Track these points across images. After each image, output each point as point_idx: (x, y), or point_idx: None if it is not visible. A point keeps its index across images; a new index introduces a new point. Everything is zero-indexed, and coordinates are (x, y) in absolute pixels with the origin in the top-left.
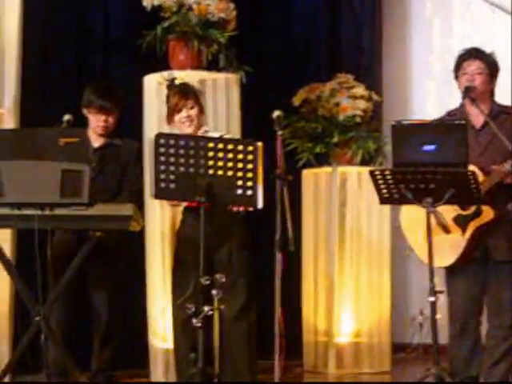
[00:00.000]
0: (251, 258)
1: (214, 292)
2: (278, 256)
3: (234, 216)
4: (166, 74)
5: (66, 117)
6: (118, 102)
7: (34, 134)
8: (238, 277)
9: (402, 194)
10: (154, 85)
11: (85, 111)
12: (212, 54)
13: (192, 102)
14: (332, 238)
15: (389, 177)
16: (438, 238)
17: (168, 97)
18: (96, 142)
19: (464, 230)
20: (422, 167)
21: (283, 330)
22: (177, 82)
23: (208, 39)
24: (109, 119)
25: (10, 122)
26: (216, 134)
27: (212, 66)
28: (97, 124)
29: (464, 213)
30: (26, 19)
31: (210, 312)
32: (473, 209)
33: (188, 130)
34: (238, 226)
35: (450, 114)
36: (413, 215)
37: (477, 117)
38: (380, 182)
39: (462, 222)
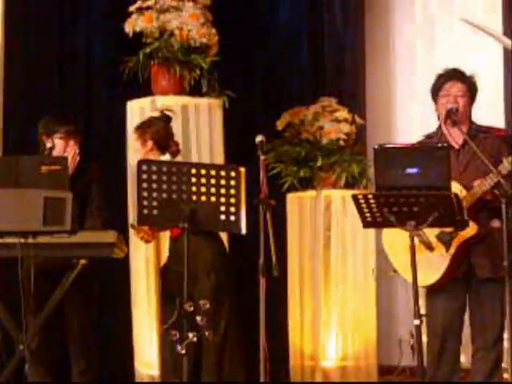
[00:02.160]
0: (222, 281)
1: (198, 318)
2: (262, 281)
3: (202, 241)
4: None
5: (48, 144)
6: (78, 126)
7: (15, 162)
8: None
9: (385, 217)
10: (136, 111)
11: (44, 139)
12: (194, 79)
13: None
14: (317, 261)
15: (372, 201)
16: (421, 256)
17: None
18: None
19: (448, 247)
20: (404, 190)
21: (267, 354)
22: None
23: (190, 64)
24: (71, 144)
25: None
26: None
27: (194, 91)
28: (58, 149)
29: (447, 229)
30: (8, 46)
31: (194, 339)
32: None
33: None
34: (205, 251)
35: (427, 137)
36: (395, 236)
37: (455, 137)
38: (363, 205)
39: (445, 238)
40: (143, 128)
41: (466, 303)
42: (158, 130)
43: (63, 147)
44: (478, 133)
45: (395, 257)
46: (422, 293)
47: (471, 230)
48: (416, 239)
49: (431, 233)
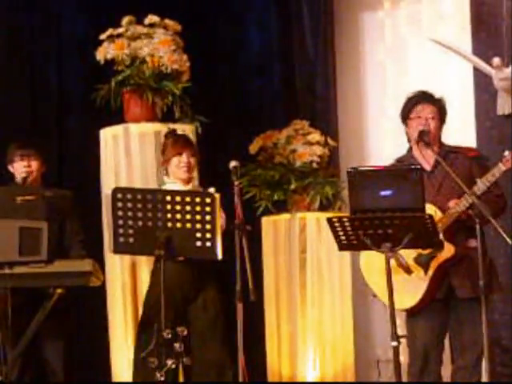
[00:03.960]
0: (225, 306)
1: (176, 345)
2: (239, 306)
3: (209, 266)
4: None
5: (23, 174)
6: (39, 150)
7: None
8: (214, 325)
9: (360, 240)
10: (109, 138)
11: (10, 168)
12: (167, 106)
13: (192, 151)
14: (293, 284)
15: (347, 224)
16: (399, 279)
17: (166, 143)
18: None
19: (426, 270)
20: (379, 213)
21: (246, 377)
22: (179, 132)
23: (162, 91)
24: (31, 164)
25: None
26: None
27: (167, 117)
28: (20, 171)
29: (424, 252)
30: None
31: (173, 366)
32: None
33: (183, 175)
34: (213, 276)
35: (398, 160)
36: (372, 259)
37: (426, 159)
38: (338, 229)
39: (423, 261)
40: (194, 143)
41: (447, 323)
42: None
43: (18, 169)
44: (448, 153)
45: (373, 280)
46: (400, 314)
47: (449, 251)
48: (393, 262)
49: (409, 255)
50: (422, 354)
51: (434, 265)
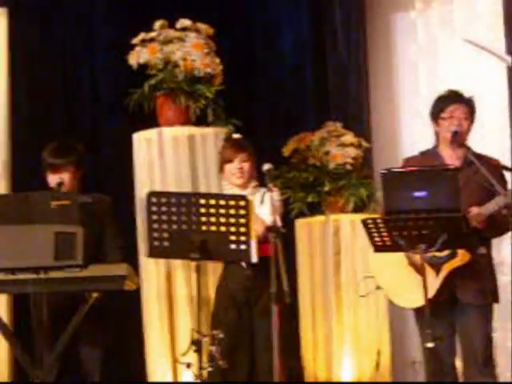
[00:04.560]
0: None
1: (212, 348)
2: (275, 309)
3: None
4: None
5: (54, 179)
6: (73, 159)
7: (25, 198)
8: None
9: (394, 241)
10: (143, 142)
11: (46, 174)
12: (200, 109)
13: (246, 156)
14: (328, 286)
15: (381, 225)
16: (410, 278)
17: (223, 148)
18: None
19: (438, 272)
20: (413, 214)
21: (283, 380)
22: (235, 136)
23: (195, 94)
24: (62, 177)
25: (0, 187)
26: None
27: (200, 120)
28: (53, 184)
29: (438, 254)
30: (14, 83)
31: (210, 369)
32: (447, 251)
33: (237, 181)
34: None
35: (422, 153)
36: (382, 257)
37: (451, 159)
38: (372, 230)
39: (435, 263)
40: (252, 148)
41: (454, 324)
42: None
43: (50, 180)
44: (475, 158)
45: (381, 274)
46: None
47: (464, 257)
48: (406, 260)
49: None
50: (436, 358)
51: (446, 268)
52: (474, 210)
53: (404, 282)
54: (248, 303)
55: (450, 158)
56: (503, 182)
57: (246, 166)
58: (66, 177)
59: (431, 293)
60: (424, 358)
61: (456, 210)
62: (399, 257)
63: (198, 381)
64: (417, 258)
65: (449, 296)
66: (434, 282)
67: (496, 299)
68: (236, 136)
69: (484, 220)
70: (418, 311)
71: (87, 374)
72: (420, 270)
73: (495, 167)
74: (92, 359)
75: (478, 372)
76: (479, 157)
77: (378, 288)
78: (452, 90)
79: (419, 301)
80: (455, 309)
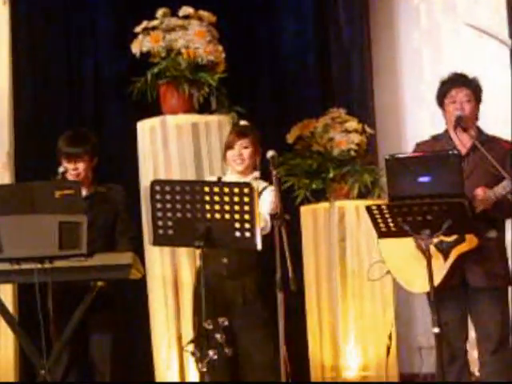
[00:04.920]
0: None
1: (217, 336)
2: (280, 296)
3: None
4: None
5: (61, 169)
6: (88, 148)
7: (29, 188)
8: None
9: (399, 227)
10: (147, 130)
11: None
12: (203, 97)
13: (247, 142)
14: (333, 272)
15: (385, 211)
16: (418, 263)
17: (228, 134)
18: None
19: (446, 257)
20: (418, 199)
21: (289, 367)
22: (242, 122)
23: (198, 82)
24: (78, 166)
25: (4, 178)
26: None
27: (204, 108)
28: (69, 173)
29: (446, 239)
30: (17, 73)
31: (215, 356)
32: (455, 235)
33: (238, 168)
34: (254, 268)
35: (434, 138)
36: (392, 242)
37: (463, 143)
38: (377, 216)
39: (444, 248)
40: (255, 134)
41: (466, 309)
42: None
43: (69, 170)
44: (485, 141)
45: (392, 261)
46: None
47: (472, 242)
48: (414, 245)
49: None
50: (448, 343)
51: (454, 253)
52: (480, 194)
53: (414, 267)
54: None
55: (460, 142)
56: None
57: (247, 152)
58: (80, 166)
59: (439, 278)
60: (436, 344)
61: (460, 195)
62: (409, 242)
63: (204, 370)
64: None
65: (460, 280)
66: (443, 267)
67: (507, 282)
68: (243, 123)
69: (491, 204)
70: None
71: (98, 363)
72: (425, 256)
73: (506, 150)
74: (102, 348)
75: (490, 357)
76: (490, 139)
77: (388, 273)
78: (453, 73)
79: (423, 287)
80: (467, 293)
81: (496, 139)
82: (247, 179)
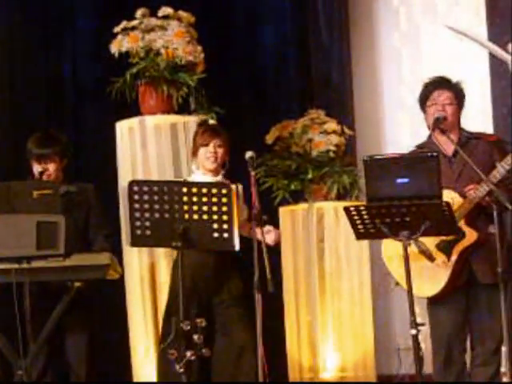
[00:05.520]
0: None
1: (195, 337)
2: (258, 297)
3: (231, 258)
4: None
5: (39, 169)
6: (58, 149)
7: (7, 187)
8: (238, 321)
9: (377, 228)
10: (125, 131)
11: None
12: (182, 97)
13: (221, 141)
14: (312, 273)
15: (363, 212)
16: (422, 266)
17: (196, 133)
18: None
19: (449, 256)
20: (396, 201)
21: (266, 367)
22: (211, 121)
23: (177, 83)
24: (48, 167)
25: None
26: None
27: (183, 109)
28: (37, 173)
29: (446, 238)
30: None
31: (192, 357)
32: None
33: (210, 165)
34: (235, 265)
35: (419, 147)
36: (394, 247)
37: (447, 145)
38: (355, 217)
39: (445, 247)
40: (226, 135)
41: (467, 311)
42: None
43: (35, 169)
44: (468, 139)
45: (396, 269)
46: (421, 301)
47: (471, 237)
48: (416, 249)
49: (431, 242)
50: (446, 343)
51: (456, 250)
52: (470, 194)
53: (415, 271)
54: (209, 290)
55: (445, 143)
56: (503, 155)
57: (220, 151)
58: (51, 166)
59: (446, 277)
60: (432, 347)
61: (437, 196)
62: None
63: (182, 371)
64: (426, 245)
65: (467, 279)
66: (448, 266)
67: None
68: (212, 122)
69: (481, 201)
70: (429, 299)
71: (73, 364)
72: (406, 257)
73: (494, 143)
74: (78, 348)
75: (486, 361)
76: (476, 136)
77: (398, 284)
78: (437, 77)
79: (432, 290)
80: (471, 291)
81: (480, 134)
82: (217, 178)
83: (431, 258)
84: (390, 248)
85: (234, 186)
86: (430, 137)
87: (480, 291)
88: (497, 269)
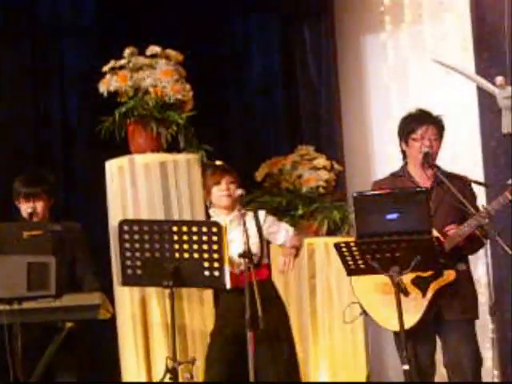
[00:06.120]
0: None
1: (187, 375)
2: (249, 335)
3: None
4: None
5: (29, 210)
6: (46, 188)
7: None
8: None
9: (368, 264)
10: (115, 170)
11: (17, 204)
12: (171, 136)
13: (233, 178)
14: (304, 310)
15: (354, 248)
16: (393, 299)
17: (205, 174)
18: None
19: (424, 292)
20: (386, 237)
21: None
22: (217, 162)
23: (166, 121)
24: (36, 206)
25: None
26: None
27: (172, 147)
28: (25, 212)
29: (423, 274)
30: None
31: None
32: (431, 271)
33: (225, 203)
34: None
35: (393, 174)
36: (365, 278)
37: (422, 179)
38: (346, 254)
39: (421, 284)
40: (235, 172)
41: (435, 344)
42: None
43: (23, 209)
44: (445, 177)
45: (366, 298)
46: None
47: (450, 275)
48: (389, 282)
49: (407, 277)
50: (416, 377)
51: (432, 288)
52: (451, 232)
53: (389, 304)
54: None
55: (421, 178)
56: (472, 197)
57: (233, 187)
58: (39, 205)
59: (419, 314)
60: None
61: (427, 231)
62: (383, 278)
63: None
64: (400, 279)
65: (433, 315)
66: (422, 303)
67: (476, 315)
68: (219, 162)
69: (461, 241)
70: (397, 334)
71: None
72: (398, 292)
73: (464, 184)
74: None
75: None
76: (448, 175)
77: (362, 314)
78: (422, 110)
79: (408, 323)
80: (440, 327)
81: (453, 175)
82: (234, 213)
83: (406, 293)
84: (361, 281)
85: (224, 225)
86: (404, 167)
87: (451, 325)
88: (465, 305)
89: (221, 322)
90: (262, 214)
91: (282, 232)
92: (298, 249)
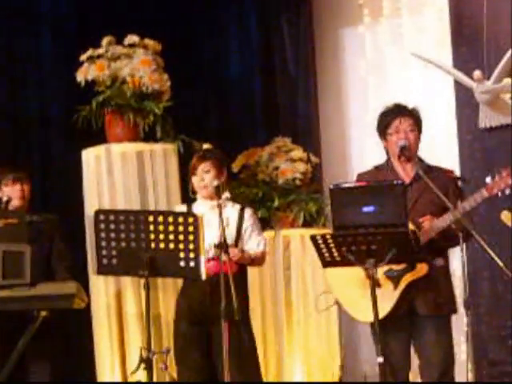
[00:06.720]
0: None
1: (162, 366)
2: (224, 325)
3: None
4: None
5: (4, 198)
6: (28, 175)
7: None
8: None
9: (344, 256)
10: (92, 159)
11: (3, 189)
12: (148, 126)
13: (208, 165)
14: (278, 301)
15: (330, 241)
16: (366, 292)
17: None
18: None
19: (396, 285)
20: (362, 229)
21: None
22: (204, 146)
23: (143, 111)
24: (24, 188)
25: None
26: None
27: (149, 137)
28: (15, 195)
29: (396, 267)
30: None
31: None
32: (403, 264)
33: (201, 193)
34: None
35: (376, 167)
36: (339, 270)
37: (405, 172)
38: (321, 246)
39: (394, 276)
40: (218, 157)
41: (410, 339)
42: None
43: (12, 192)
44: (427, 171)
45: (340, 290)
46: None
47: (422, 269)
48: (363, 274)
49: (380, 269)
50: (391, 372)
51: (404, 280)
52: (426, 225)
53: (362, 296)
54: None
55: (404, 171)
56: (458, 192)
57: (208, 176)
58: (26, 188)
59: (389, 306)
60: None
61: (403, 224)
62: (357, 271)
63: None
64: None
65: (408, 309)
66: (392, 296)
67: (454, 310)
68: (205, 146)
69: (435, 234)
70: (374, 325)
71: None
72: (373, 284)
73: (448, 179)
74: (40, 377)
75: None
76: (432, 169)
77: (335, 303)
78: (395, 104)
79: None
80: (413, 322)
81: (437, 169)
82: (214, 202)
83: (378, 285)
84: (334, 270)
85: (200, 215)
86: (388, 161)
87: (424, 321)
88: (440, 300)
89: (183, 306)
90: (248, 212)
91: (253, 241)
92: (247, 262)
